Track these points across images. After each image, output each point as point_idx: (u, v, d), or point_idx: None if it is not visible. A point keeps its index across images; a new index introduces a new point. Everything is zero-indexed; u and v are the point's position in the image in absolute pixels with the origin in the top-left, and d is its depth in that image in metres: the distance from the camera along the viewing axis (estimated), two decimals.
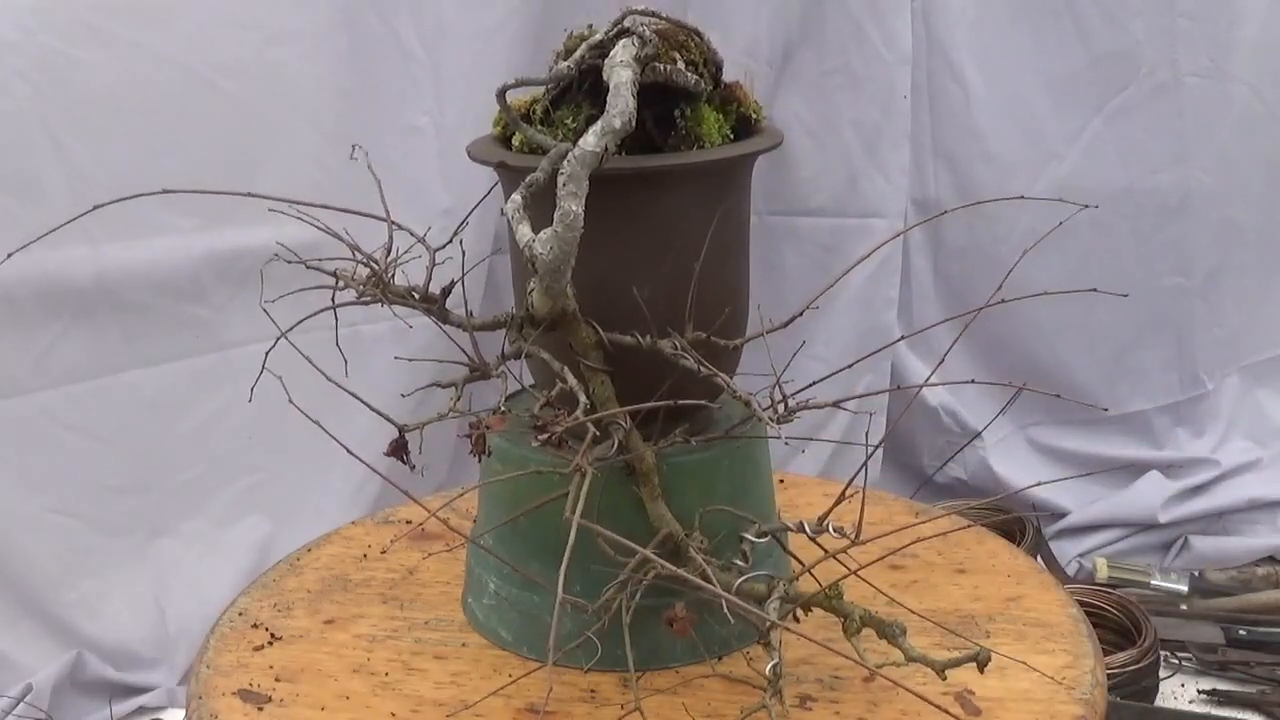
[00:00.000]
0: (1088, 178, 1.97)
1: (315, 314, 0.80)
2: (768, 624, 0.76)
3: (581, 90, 0.84)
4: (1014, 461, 2.07)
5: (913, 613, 0.84)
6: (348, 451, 0.79)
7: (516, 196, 0.76)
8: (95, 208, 0.86)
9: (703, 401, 0.84)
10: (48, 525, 1.67)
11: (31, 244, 0.86)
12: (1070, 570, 2.00)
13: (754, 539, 0.86)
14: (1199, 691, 1.69)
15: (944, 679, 0.77)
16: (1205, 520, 2.05)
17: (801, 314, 0.82)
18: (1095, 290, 0.81)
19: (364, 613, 0.99)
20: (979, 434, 2.04)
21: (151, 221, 1.67)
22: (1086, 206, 0.92)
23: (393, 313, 0.84)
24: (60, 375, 1.66)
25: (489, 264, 1.85)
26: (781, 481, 1.17)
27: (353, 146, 1.11)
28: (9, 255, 0.84)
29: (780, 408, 0.78)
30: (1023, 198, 0.96)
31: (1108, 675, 0.92)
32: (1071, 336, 2.04)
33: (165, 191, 0.87)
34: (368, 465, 0.79)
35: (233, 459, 1.80)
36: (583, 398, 0.77)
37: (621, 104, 0.74)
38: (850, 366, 0.96)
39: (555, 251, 0.72)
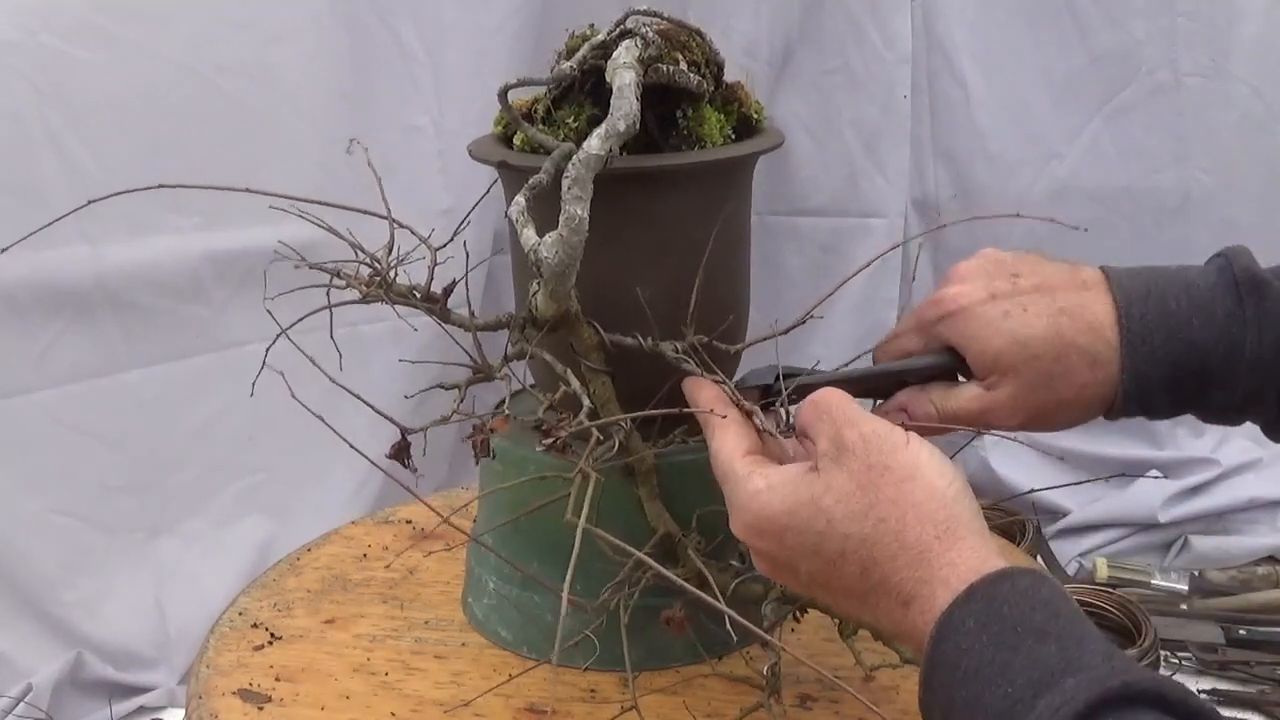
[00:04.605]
0: (1088, 177, 1.97)
1: (315, 312, 0.80)
2: (764, 624, 0.76)
3: (583, 90, 0.84)
4: (1014, 462, 2.06)
5: None
6: (350, 446, 0.79)
7: (520, 199, 0.76)
8: (90, 202, 0.86)
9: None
10: (48, 525, 1.67)
11: (26, 238, 0.86)
12: (1070, 570, 2.00)
13: None
14: (1199, 691, 1.69)
15: None
16: (1205, 520, 2.04)
17: (804, 321, 0.83)
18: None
19: (364, 612, 0.99)
20: (979, 434, 2.04)
21: (151, 221, 1.67)
22: (1078, 229, 0.92)
23: (395, 312, 0.84)
24: (60, 375, 1.66)
25: (489, 264, 1.85)
26: None
27: (350, 141, 1.11)
28: (5, 249, 0.84)
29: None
30: (1018, 215, 0.96)
31: None
32: None
33: (161, 186, 0.86)
34: (371, 461, 0.79)
35: (233, 459, 1.80)
36: (586, 401, 0.76)
37: (626, 106, 0.74)
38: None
39: (561, 255, 0.72)
